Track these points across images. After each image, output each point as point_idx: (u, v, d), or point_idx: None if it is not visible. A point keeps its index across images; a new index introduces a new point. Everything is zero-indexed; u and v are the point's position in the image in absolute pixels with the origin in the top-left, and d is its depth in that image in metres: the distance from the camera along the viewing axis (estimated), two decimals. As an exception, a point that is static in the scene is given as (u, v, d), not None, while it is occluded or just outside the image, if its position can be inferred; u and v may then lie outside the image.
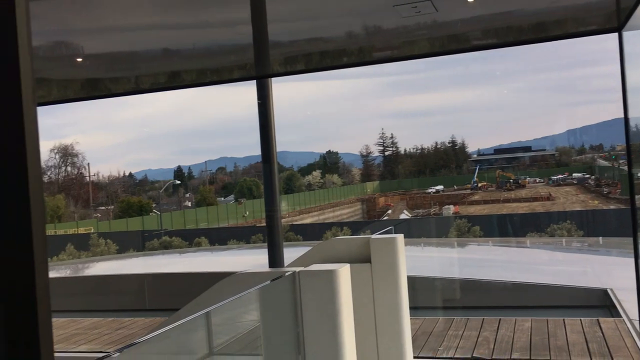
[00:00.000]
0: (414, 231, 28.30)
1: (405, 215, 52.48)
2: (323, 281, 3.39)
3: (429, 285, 7.97)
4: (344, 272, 3.45)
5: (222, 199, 65.49)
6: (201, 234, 32.87)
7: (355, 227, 33.30)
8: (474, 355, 5.43)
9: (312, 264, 4.90)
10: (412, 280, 7.87)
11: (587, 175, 60.07)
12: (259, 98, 6.82)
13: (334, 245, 4.94)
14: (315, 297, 3.39)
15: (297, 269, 3.50)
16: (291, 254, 6.21)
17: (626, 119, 5.40)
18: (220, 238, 30.70)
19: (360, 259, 4.84)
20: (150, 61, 6.04)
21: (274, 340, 3.50)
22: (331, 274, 3.39)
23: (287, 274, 3.46)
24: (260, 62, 6.54)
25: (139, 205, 52.48)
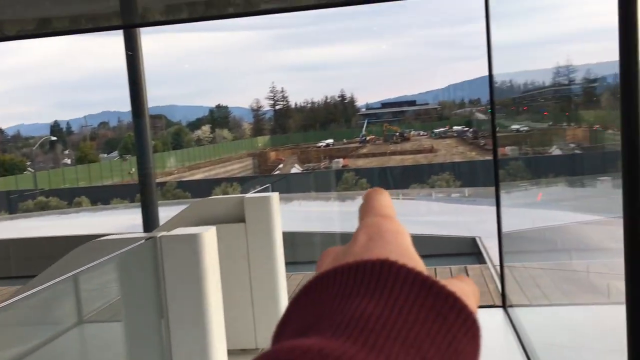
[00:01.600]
0: (303, 184, 28.58)
1: (296, 169, 52.90)
2: (186, 245, 3.24)
3: (309, 240, 8.04)
4: (208, 235, 3.32)
5: (106, 155, 62.35)
6: (82, 193, 31.15)
7: (245, 182, 33.06)
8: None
9: (184, 225, 4.73)
10: (293, 235, 7.91)
11: (466, 128, 63.51)
12: (127, 49, 6.38)
13: (206, 205, 4.78)
14: (177, 262, 3.24)
15: (158, 234, 3.32)
16: (175, 212, 5.97)
17: (490, 75, 5.60)
18: (102, 197, 29.26)
19: (235, 218, 4.73)
20: (15, 4, 5.42)
21: (135, 306, 3.34)
22: (194, 238, 3.25)
23: (147, 239, 3.27)
24: (126, 10, 6.08)
25: (11, 164, 48.69)
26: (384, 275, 0.32)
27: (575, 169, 25.74)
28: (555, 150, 32.42)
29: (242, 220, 4.64)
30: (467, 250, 7.56)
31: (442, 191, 21.21)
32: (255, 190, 4.96)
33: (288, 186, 28.87)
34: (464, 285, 0.36)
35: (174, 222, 4.73)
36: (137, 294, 3.31)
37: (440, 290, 0.31)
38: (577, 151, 32.75)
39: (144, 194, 6.33)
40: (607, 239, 6.32)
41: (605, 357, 4.14)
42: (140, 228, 6.53)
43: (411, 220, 10.66)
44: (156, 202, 6.38)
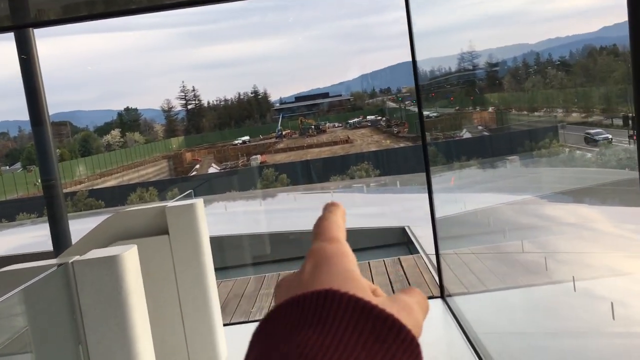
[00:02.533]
0: (223, 185, 27.98)
1: (213, 168, 51.86)
2: (103, 270, 2.85)
3: (238, 243, 7.71)
4: (128, 256, 2.94)
5: (7, 167, 58.44)
6: (-18, 209, 28.90)
7: (161, 186, 31.96)
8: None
9: (100, 242, 4.28)
10: (220, 240, 7.54)
11: (379, 117, 64.72)
12: (21, 53, 5.76)
13: (125, 218, 4.35)
14: (95, 288, 2.85)
15: (71, 259, 2.90)
16: (91, 224, 5.45)
17: (414, 61, 5.50)
18: (7, 213, 27.28)
19: (157, 230, 4.34)
20: None
21: (47, 335, 2.92)
22: (112, 261, 2.86)
23: (58, 267, 2.85)
24: (17, 10, 5.49)
25: None
26: (327, 305, 0.34)
27: (485, 150, 26.77)
28: (465, 134, 33.59)
29: (165, 231, 4.27)
30: (397, 240, 7.49)
31: (363, 181, 21.35)
32: (177, 198, 4.58)
33: (207, 187, 28.15)
34: (407, 299, 0.38)
35: (89, 240, 4.27)
36: (49, 323, 2.90)
37: (379, 313, 0.33)
38: (485, 133, 34.12)
39: (51, 208, 5.76)
40: (534, 218, 6.43)
41: (546, 340, 4.11)
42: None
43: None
44: (65, 215, 5.84)
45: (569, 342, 4.05)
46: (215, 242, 7.40)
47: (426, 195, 5.47)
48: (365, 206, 10.66)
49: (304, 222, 9.22)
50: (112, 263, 2.86)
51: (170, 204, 4.34)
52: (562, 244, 4.97)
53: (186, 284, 4.24)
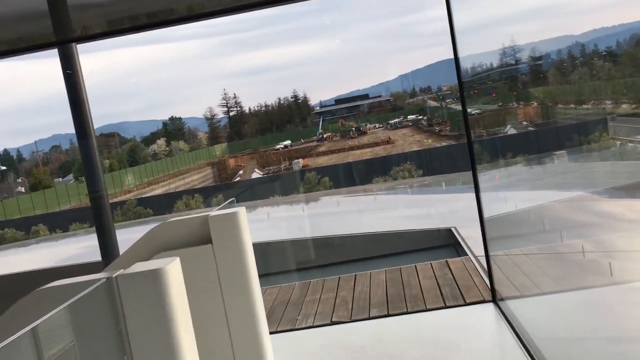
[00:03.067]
0: (266, 190, 28.12)
1: (257, 174, 52.31)
2: (147, 284, 2.81)
3: (282, 249, 7.65)
4: (172, 269, 2.89)
5: (61, 179, 60.37)
6: (38, 221, 29.89)
7: (206, 193, 32.40)
8: (332, 320, 5.19)
9: (144, 255, 4.27)
10: (263, 247, 7.50)
11: (420, 117, 63.98)
12: (65, 68, 5.85)
13: (168, 229, 4.33)
14: (139, 302, 2.81)
15: (114, 274, 2.87)
16: (139, 233, 5.48)
17: (456, 58, 5.32)
18: (61, 224, 28.12)
19: (201, 239, 4.31)
20: None
21: (93, 348, 2.89)
22: (156, 275, 2.81)
23: (100, 282, 2.82)
24: (59, 27, 5.58)
25: (-39, 199, 46.56)
26: None
27: (531, 146, 26.04)
28: (510, 130, 32.76)
29: (208, 241, 4.22)
30: (444, 242, 7.29)
31: (406, 182, 21.10)
32: (220, 207, 4.53)
33: (251, 193, 28.36)
34: None
35: (134, 252, 4.27)
36: (96, 337, 2.88)
37: None
38: (530, 128, 33.24)
39: (98, 218, 5.83)
40: (590, 215, 6.14)
41: (607, 346, 3.87)
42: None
43: (381, 216, 10.37)
44: (112, 225, 5.89)
45: (632, 348, 3.80)
46: (259, 248, 7.35)
47: (472, 194, 5.27)
48: (409, 208, 10.47)
49: (347, 225, 9.11)
50: (156, 276, 2.81)
51: (213, 212, 4.30)
52: (622, 242, 4.69)
53: (231, 293, 4.19)
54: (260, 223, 10.57)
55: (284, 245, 7.93)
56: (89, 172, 5.75)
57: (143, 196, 40.20)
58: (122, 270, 2.88)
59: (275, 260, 7.46)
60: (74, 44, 5.54)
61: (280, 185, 30.94)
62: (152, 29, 6.09)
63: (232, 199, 4.88)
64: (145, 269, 2.84)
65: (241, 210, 4.25)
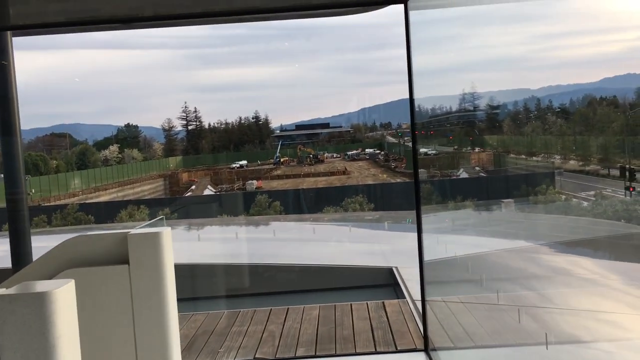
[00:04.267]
0: (215, 207, 27.53)
1: (209, 190, 51.46)
2: (29, 308, 2.43)
3: (216, 272, 7.25)
4: (63, 293, 2.52)
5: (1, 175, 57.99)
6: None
7: (154, 204, 31.50)
8: (256, 356, 4.84)
9: (51, 269, 3.86)
10: (196, 268, 7.10)
11: (378, 151, 64.60)
12: (-1, 57, 5.40)
13: (82, 243, 3.93)
14: (18, 329, 2.42)
15: (-6, 293, 2.47)
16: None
17: (411, 99, 5.21)
18: (-5, 222, 26.67)
19: (118, 258, 3.92)
20: None
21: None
22: (41, 299, 2.44)
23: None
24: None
25: None
26: None
27: (481, 192, 26.43)
28: (462, 174, 33.27)
29: (125, 261, 3.84)
30: (385, 281, 7.05)
31: (356, 215, 20.97)
32: (141, 225, 4.19)
33: (199, 209, 27.70)
34: None
35: (37, 266, 3.85)
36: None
37: None
38: (482, 174, 33.84)
39: (13, 223, 5.33)
40: (533, 267, 6.02)
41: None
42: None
43: (324, 246, 10.09)
44: (28, 231, 5.41)
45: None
46: (191, 270, 6.94)
47: (415, 234, 5.09)
48: (355, 242, 10.25)
49: (288, 254, 8.78)
50: (40, 301, 2.44)
51: (134, 231, 3.93)
52: (563, 299, 4.54)
53: (143, 320, 3.80)
54: (200, 242, 10.14)
55: (219, 268, 7.53)
56: (8, 172, 5.28)
57: (87, 201, 38.85)
58: (4, 289, 2.50)
59: (207, 284, 7.06)
60: (8, 32, 5.12)
61: (231, 204, 30.40)
62: (110, 28, 5.73)
63: (160, 217, 4.56)
64: (29, 290, 2.46)
65: (165, 231, 3.90)
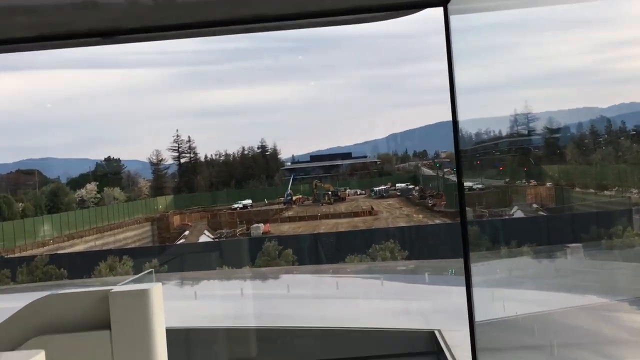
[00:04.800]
0: (214, 258, 27.54)
1: (206, 237, 51.61)
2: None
3: (216, 338, 7.19)
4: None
5: (-42, 222, 58.74)
6: None
7: (140, 254, 31.60)
8: None
9: (18, 335, 3.84)
10: (192, 333, 7.05)
11: (411, 186, 64.48)
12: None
13: (54, 305, 3.92)
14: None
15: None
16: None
17: (454, 121, 5.18)
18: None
19: (97, 322, 3.89)
20: None
21: None
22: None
23: None
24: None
25: None
26: None
27: (540, 235, 26.15)
28: (516, 212, 33.05)
29: (106, 325, 3.82)
30: (424, 349, 6.92)
31: (386, 265, 20.81)
32: (126, 281, 4.16)
33: (195, 260, 27.73)
34: None
35: (2, 332, 3.84)
36: None
37: None
38: (541, 213, 33.54)
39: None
40: (613, 330, 5.87)
41: None
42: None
43: (350, 305, 9.97)
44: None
45: None
46: (186, 335, 6.89)
47: (464, 289, 5.01)
48: (386, 299, 10.13)
49: (305, 315, 8.71)
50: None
51: (116, 289, 3.91)
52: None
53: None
54: (198, 301, 10.12)
55: (220, 333, 7.47)
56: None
57: (59, 252, 39.10)
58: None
59: (206, 352, 6.99)
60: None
61: (233, 254, 30.41)
62: (88, 44, 5.84)
63: (148, 270, 4.53)
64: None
65: (154, 288, 3.86)
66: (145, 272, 4.37)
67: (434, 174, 66.10)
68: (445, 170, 65.52)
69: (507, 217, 32.65)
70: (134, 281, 4.42)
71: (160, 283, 4.11)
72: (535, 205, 33.80)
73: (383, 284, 11.68)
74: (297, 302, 9.74)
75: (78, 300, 3.94)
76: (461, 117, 5.27)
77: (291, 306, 9.16)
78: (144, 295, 3.78)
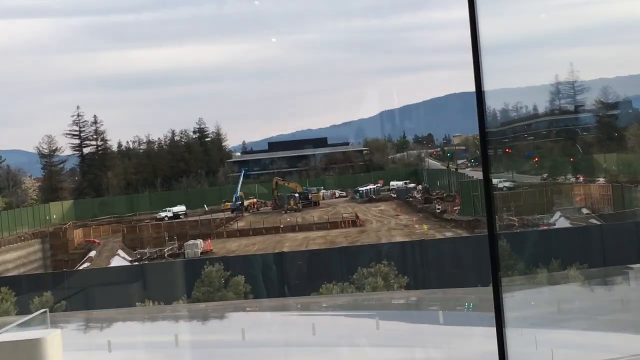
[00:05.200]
0: (131, 290, 27.46)
1: (120, 259, 51.37)
2: None
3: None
4: None
5: None
6: None
7: (26, 286, 31.31)
8: None
9: None
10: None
11: (412, 185, 64.80)
12: None
13: None
14: None
15: None
16: None
17: (479, 91, 5.20)
18: None
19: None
20: None
21: None
22: None
23: None
24: None
25: None
26: None
27: (593, 252, 26.27)
28: (558, 220, 33.23)
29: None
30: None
31: (378, 297, 20.86)
32: (10, 326, 4.11)
33: (103, 294, 27.51)
34: None
35: None
36: None
37: None
38: (593, 221, 33.66)
39: None
40: None
41: None
42: None
43: (328, 357, 9.94)
44: None
45: None
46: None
47: (491, 330, 5.08)
48: (379, 346, 10.15)
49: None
50: None
51: (4, 336, 3.89)
52: None
53: None
54: (114, 353, 10.04)
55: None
56: None
57: None
58: None
59: None
60: None
61: (160, 283, 30.23)
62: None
63: (43, 310, 4.43)
64: None
65: (52, 336, 3.83)
66: (38, 312, 4.29)
67: (444, 167, 66.54)
68: (459, 162, 66.02)
69: (546, 227, 33.06)
70: (22, 325, 4.38)
71: (58, 329, 4.10)
72: (585, 211, 34.26)
73: (376, 325, 11.64)
74: (257, 354, 9.66)
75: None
76: (487, 86, 5.28)
77: (247, 358, 9.10)
78: (37, 346, 3.73)
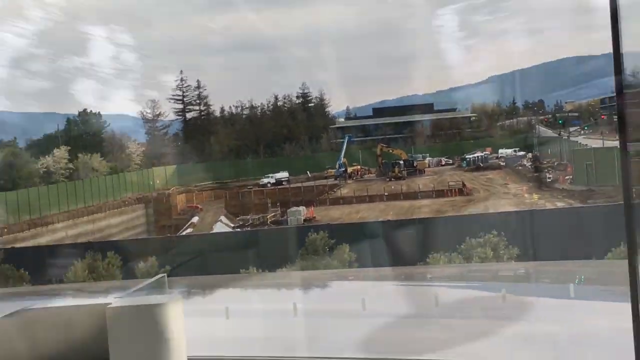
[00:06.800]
0: (234, 258, 27.70)
1: (223, 225, 52.02)
2: None
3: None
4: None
5: None
6: None
7: (132, 251, 31.99)
8: None
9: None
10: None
11: (522, 153, 63.82)
12: None
13: (24, 327, 3.96)
14: None
15: None
16: None
17: (616, 43, 4.94)
18: None
19: (90, 353, 3.91)
20: None
21: None
22: None
23: None
24: None
25: None
26: None
27: None
28: None
29: (103, 357, 3.82)
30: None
31: (487, 268, 20.54)
32: (129, 292, 4.13)
33: (206, 260, 27.83)
34: None
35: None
36: None
37: None
38: None
39: None
40: None
41: None
42: None
43: (463, 330, 9.79)
44: None
45: None
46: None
47: (619, 305, 4.86)
48: (516, 320, 9.93)
49: (373, 339, 8.57)
50: None
51: (117, 301, 3.90)
52: None
53: None
54: (217, 323, 10.09)
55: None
56: None
57: (15, 245, 39.93)
58: None
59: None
60: None
61: (262, 250, 30.44)
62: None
63: (161, 275, 4.43)
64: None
65: (174, 302, 3.81)
66: (156, 277, 4.29)
67: (555, 134, 65.29)
68: (572, 129, 64.53)
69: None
70: (140, 291, 4.38)
71: (179, 294, 4.09)
72: None
73: (488, 298, 11.40)
74: (381, 324, 9.55)
75: (54, 320, 3.94)
76: (628, 46, 5.03)
77: (374, 329, 8.98)
78: (158, 312, 3.73)
